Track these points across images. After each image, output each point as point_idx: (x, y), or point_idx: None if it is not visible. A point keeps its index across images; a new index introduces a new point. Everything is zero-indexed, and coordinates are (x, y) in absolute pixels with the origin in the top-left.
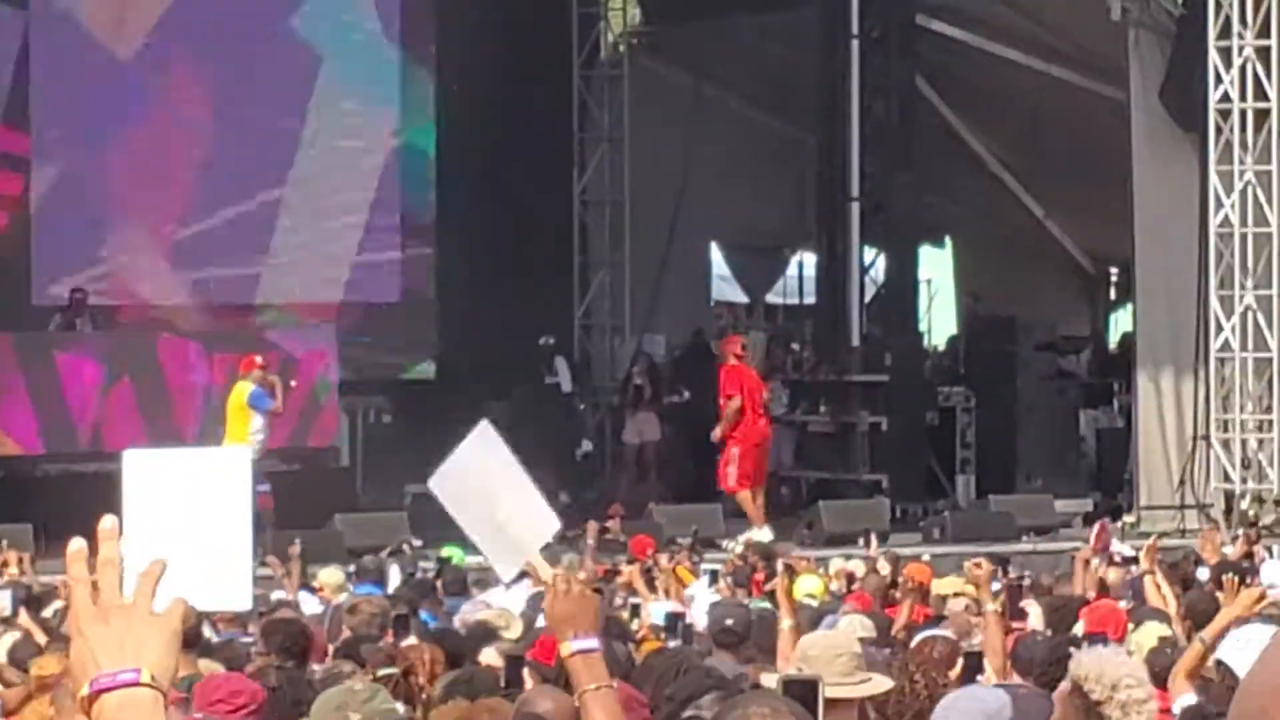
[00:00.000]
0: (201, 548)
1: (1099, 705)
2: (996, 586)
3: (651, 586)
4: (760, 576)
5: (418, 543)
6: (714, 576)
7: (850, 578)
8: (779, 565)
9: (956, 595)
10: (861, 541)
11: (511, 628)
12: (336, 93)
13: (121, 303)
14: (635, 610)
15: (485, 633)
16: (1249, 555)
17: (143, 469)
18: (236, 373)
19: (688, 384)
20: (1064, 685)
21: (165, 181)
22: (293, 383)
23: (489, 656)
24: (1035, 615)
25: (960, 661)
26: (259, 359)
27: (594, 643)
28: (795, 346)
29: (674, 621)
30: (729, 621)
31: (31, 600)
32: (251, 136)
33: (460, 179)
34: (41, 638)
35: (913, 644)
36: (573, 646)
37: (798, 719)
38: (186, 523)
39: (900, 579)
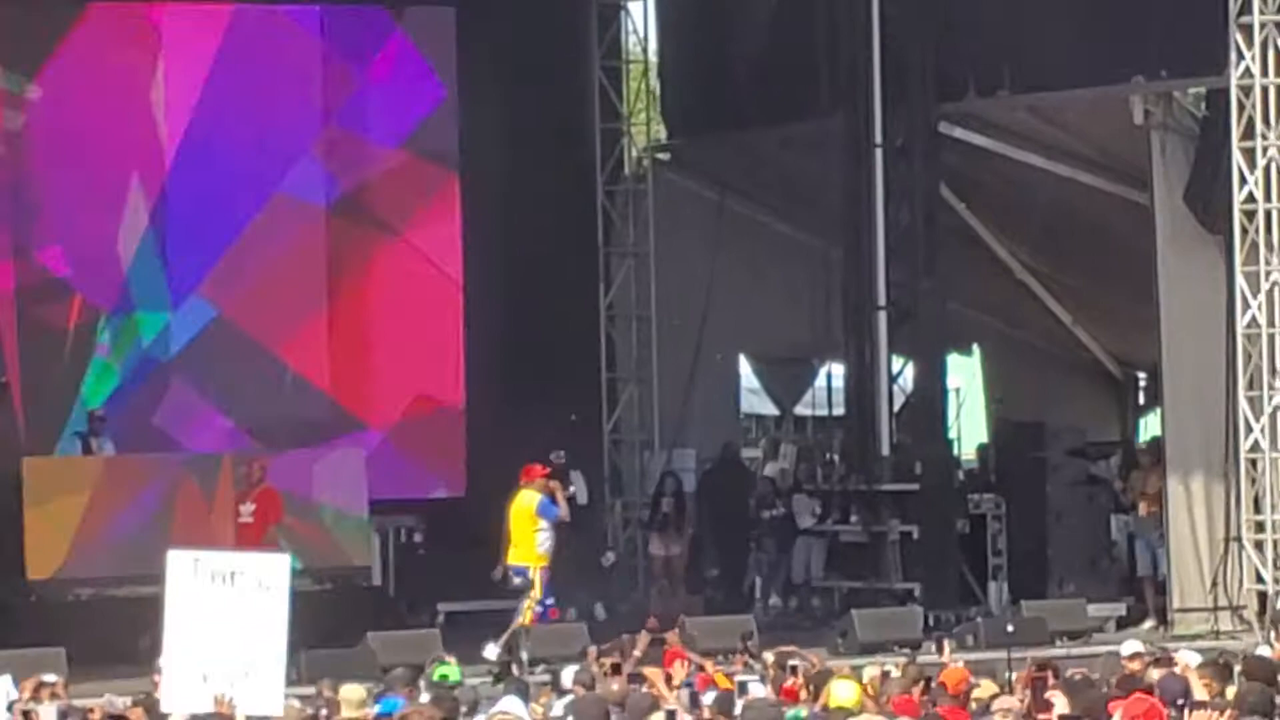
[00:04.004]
0: (238, 653)
1: None
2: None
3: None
4: (794, 685)
5: (450, 659)
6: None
7: (885, 676)
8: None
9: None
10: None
11: None
12: None
13: None
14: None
15: None
16: None
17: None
18: (518, 481)
19: (718, 497)
20: None
21: None
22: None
23: None
24: (1061, 704)
25: None
26: (541, 466)
27: None
28: (828, 457)
29: None
30: None
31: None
32: None
33: (485, 295)
34: None
35: None
36: None
37: None
38: (225, 626)
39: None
